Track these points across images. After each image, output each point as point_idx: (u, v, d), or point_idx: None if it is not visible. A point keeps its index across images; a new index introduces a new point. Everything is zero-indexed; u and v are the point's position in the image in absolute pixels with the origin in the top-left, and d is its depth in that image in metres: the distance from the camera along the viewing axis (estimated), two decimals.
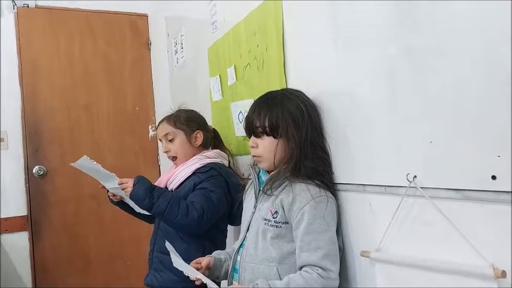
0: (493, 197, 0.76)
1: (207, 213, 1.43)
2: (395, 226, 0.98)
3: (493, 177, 0.75)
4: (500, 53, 0.73)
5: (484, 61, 0.76)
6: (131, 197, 1.47)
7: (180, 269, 1.16)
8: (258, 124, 1.17)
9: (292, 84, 1.33)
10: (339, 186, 1.16)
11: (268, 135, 1.16)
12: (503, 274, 0.75)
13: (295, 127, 1.13)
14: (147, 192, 1.44)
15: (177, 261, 1.19)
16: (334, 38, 1.14)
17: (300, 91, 1.23)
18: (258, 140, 1.18)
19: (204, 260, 1.24)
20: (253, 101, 1.28)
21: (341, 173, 1.15)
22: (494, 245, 0.77)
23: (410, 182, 0.91)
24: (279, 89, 1.27)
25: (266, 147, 1.16)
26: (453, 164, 0.83)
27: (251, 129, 1.19)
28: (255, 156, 1.20)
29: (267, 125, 1.15)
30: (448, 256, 0.85)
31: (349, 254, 1.14)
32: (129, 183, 1.48)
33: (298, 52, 1.31)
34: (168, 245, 1.29)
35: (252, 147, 1.20)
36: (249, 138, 1.22)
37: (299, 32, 1.29)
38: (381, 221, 1.01)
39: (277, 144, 1.14)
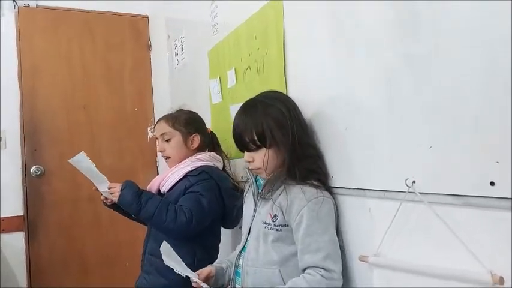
0: (492, 203, 0.76)
1: (196, 217, 1.42)
2: (394, 231, 0.98)
3: (492, 184, 0.75)
4: (500, 59, 0.73)
5: (483, 67, 0.76)
6: (119, 202, 1.47)
7: (174, 268, 1.17)
8: (247, 139, 1.16)
9: (292, 88, 1.33)
10: (339, 190, 1.16)
11: (260, 147, 1.15)
12: (501, 280, 0.75)
13: (281, 132, 1.13)
14: (135, 197, 1.44)
15: (170, 262, 1.20)
16: (334, 42, 1.14)
17: (278, 92, 1.24)
18: (253, 154, 1.17)
19: (204, 270, 1.25)
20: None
21: (340, 177, 1.15)
22: (492, 251, 0.77)
23: (409, 187, 0.91)
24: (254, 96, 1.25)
25: (263, 159, 1.15)
26: (452, 170, 0.83)
27: (242, 145, 1.18)
28: (254, 169, 1.20)
29: (255, 138, 1.14)
30: (446, 262, 0.85)
31: (348, 258, 1.14)
32: (117, 188, 1.48)
33: (299, 56, 1.31)
34: (164, 245, 1.27)
35: (249, 161, 1.19)
36: (242, 152, 1.21)
37: (300, 35, 1.29)
38: (380, 226, 1.01)
39: (271, 153, 1.14)
